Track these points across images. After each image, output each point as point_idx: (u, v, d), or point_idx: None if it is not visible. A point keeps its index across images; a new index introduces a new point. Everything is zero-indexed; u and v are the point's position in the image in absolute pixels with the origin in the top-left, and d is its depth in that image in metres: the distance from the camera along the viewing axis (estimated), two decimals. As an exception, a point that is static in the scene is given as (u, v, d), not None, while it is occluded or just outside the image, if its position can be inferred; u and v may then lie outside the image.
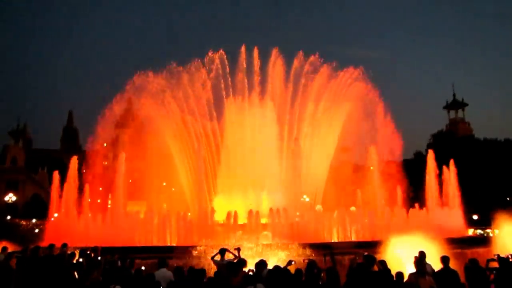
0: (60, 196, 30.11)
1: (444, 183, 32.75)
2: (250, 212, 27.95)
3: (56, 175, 31.22)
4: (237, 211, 27.88)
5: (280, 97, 38.53)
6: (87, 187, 30.80)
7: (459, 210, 31.82)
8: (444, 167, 33.01)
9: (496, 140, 68.38)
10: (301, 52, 40.15)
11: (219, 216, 28.60)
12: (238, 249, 13.83)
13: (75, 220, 28.78)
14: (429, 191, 33.03)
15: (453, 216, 31.20)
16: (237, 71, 39.13)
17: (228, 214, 28.03)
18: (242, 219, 27.81)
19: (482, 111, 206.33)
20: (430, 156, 33.59)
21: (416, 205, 31.04)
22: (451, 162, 33.08)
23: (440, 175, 32.84)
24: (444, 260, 11.86)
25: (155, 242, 26.06)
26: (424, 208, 31.40)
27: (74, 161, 31.77)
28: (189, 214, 28.96)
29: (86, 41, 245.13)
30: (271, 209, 28.39)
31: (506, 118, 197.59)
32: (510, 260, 14.06)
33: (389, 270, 11.54)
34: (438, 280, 11.15)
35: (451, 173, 33.00)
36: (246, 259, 12.66)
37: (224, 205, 30.49)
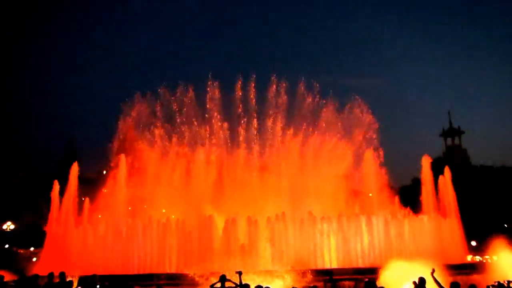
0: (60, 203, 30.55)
1: (439, 193, 32.76)
2: (249, 218, 27.83)
3: (56, 183, 31.56)
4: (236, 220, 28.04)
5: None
6: (86, 201, 31.15)
7: (457, 223, 31.74)
8: (440, 177, 33.11)
9: (493, 167, 68.70)
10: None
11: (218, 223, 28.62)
12: (240, 273, 13.79)
13: (72, 231, 28.94)
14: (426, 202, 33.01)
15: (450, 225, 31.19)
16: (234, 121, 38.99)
17: (226, 222, 28.01)
18: (241, 230, 27.83)
19: (478, 138, 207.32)
20: (426, 162, 33.68)
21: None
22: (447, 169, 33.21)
23: (436, 185, 32.93)
24: (454, 286, 11.98)
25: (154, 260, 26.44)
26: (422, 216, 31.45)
27: (74, 168, 32.15)
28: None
29: (87, 65, 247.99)
30: (269, 218, 28.31)
31: (502, 145, 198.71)
32: (511, 285, 14.09)
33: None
34: None
35: (447, 184, 33.04)
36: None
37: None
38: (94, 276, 16.05)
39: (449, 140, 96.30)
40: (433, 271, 12.81)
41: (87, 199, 31.51)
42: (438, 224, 30.51)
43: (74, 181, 31.84)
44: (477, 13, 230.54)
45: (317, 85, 39.76)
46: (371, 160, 34.31)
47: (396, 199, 33.56)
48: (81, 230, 29.42)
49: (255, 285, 12.03)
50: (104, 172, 35.05)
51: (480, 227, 46.32)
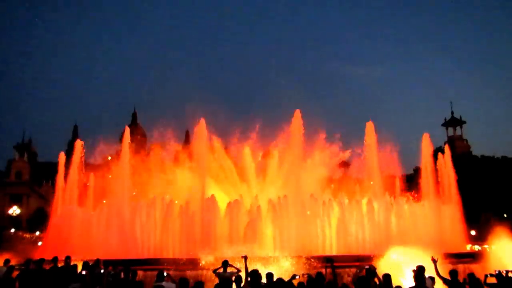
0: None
1: (439, 172, 32.62)
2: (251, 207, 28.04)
3: (62, 155, 32.33)
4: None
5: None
6: (91, 185, 31.42)
7: (456, 207, 31.71)
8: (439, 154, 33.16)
9: (494, 157, 68.81)
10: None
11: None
12: (245, 257, 13.99)
13: (77, 211, 29.25)
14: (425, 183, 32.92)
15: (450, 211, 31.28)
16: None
17: (228, 205, 28.22)
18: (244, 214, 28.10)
19: (479, 128, 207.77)
20: (426, 139, 33.41)
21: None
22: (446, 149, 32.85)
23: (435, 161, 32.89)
24: (453, 274, 12.29)
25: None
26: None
27: (79, 144, 32.46)
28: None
29: (91, 53, 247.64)
30: (270, 200, 28.50)
31: (503, 136, 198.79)
32: (510, 275, 14.25)
33: (388, 285, 11.77)
34: None
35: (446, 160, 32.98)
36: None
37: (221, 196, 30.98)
38: (97, 260, 16.33)
39: (450, 130, 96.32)
40: (435, 261, 13.13)
41: (92, 183, 31.83)
42: (438, 209, 30.52)
43: (78, 156, 32.10)
44: (479, 4, 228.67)
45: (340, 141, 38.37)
46: (372, 133, 33.16)
47: (397, 181, 33.50)
48: (85, 214, 29.70)
49: (250, 271, 12.27)
50: (109, 158, 35.35)
51: (481, 216, 46.60)
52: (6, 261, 16.69)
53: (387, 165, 34.67)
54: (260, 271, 12.13)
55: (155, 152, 37.70)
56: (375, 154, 32.45)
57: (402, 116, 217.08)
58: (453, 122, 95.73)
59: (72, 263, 16.55)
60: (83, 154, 32.56)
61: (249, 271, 12.33)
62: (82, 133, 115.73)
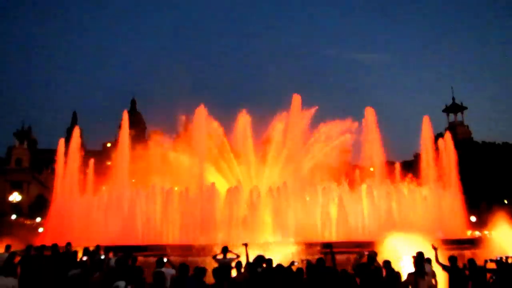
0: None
1: (439, 156, 32.49)
2: (251, 191, 27.97)
3: (62, 142, 32.33)
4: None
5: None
6: (91, 162, 31.47)
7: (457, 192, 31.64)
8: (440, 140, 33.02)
9: (495, 143, 68.83)
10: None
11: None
12: (246, 244, 14.04)
13: (77, 199, 29.25)
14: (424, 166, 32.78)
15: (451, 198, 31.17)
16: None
17: (228, 191, 28.17)
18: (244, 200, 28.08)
19: (481, 114, 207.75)
20: (426, 121, 33.19)
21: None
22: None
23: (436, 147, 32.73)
24: (452, 260, 12.33)
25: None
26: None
27: (77, 131, 32.52)
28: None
29: (91, 43, 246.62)
30: (270, 188, 28.48)
31: (505, 122, 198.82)
32: (509, 261, 14.29)
33: (388, 270, 11.79)
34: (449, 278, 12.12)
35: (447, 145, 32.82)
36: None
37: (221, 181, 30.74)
38: (98, 246, 16.37)
39: (451, 116, 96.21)
40: (436, 249, 13.16)
41: (91, 170, 31.88)
42: (438, 195, 30.43)
43: (77, 143, 32.08)
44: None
45: None
46: (372, 118, 32.78)
47: (397, 166, 33.41)
48: (85, 200, 29.79)
49: (255, 256, 12.32)
50: (108, 145, 35.35)
51: (481, 202, 46.71)
52: (7, 247, 16.75)
53: (387, 151, 34.49)
54: (258, 254, 12.21)
55: (154, 138, 37.62)
56: (376, 140, 32.24)
57: (403, 103, 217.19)
58: (454, 108, 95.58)
59: (72, 249, 16.61)
60: (82, 141, 32.55)
61: (249, 257, 12.37)
62: (81, 120, 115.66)
